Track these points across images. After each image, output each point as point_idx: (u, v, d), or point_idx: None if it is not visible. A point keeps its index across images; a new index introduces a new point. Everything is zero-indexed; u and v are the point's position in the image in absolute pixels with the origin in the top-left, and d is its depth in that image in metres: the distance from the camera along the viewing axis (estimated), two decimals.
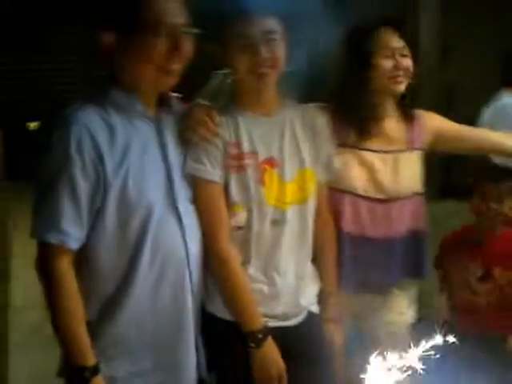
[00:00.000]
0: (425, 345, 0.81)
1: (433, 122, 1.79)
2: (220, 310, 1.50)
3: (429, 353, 0.81)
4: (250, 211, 1.49)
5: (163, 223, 1.35)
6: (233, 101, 1.56)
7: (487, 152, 1.86)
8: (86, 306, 1.31)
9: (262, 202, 1.50)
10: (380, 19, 1.71)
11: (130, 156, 1.31)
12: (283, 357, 1.49)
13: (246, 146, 1.50)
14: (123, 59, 1.35)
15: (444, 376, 1.54)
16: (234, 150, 1.49)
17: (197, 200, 1.46)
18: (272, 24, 1.45)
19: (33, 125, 5.00)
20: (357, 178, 1.67)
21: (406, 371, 0.81)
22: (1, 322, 2.65)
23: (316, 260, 1.65)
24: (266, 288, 1.52)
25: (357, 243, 1.68)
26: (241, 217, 1.49)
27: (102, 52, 1.36)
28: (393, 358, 0.82)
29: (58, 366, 1.39)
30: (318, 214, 1.61)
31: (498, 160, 2.36)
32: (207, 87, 2.47)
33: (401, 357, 0.82)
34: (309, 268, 1.62)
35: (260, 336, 1.45)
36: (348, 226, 1.67)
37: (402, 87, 1.66)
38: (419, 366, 0.80)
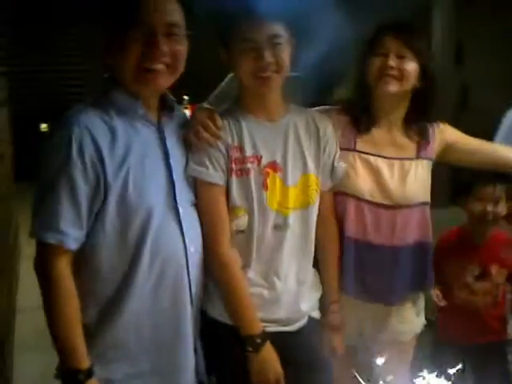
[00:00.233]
0: None
1: (444, 133, 1.76)
2: (220, 314, 1.50)
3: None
4: (251, 215, 1.48)
5: (163, 226, 1.34)
6: (237, 104, 1.56)
7: (499, 167, 1.80)
8: (85, 308, 1.31)
9: (264, 206, 1.49)
10: (383, 21, 1.69)
11: (130, 159, 1.31)
12: (282, 362, 1.48)
13: (248, 150, 1.49)
14: (113, 59, 1.34)
15: None
16: (236, 154, 1.48)
17: (199, 202, 1.46)
18: (277, 28, 1.44)
19: (44, 126, 5.05)
20: (363, 183, 1.65)
21: None
22: (8, 323, 2.65)
23: (318, 265, 1.64)
24: (266, 292, 1.51)
25: (359, 249, 1.65)
26: (242, 220, 1.49)
27: (103, 53, 1.36)
28: None
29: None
30: (321, 219, 1.60)
31: None
32: (217, 90, 2.46)
33: None
34: (310, 273, 1.61)
35: (258, 340, 1.45)
36: (351, 230, 1.65)
37: (390, 88, 1.62)
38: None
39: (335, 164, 1.61)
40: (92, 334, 1.32)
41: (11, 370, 2.63)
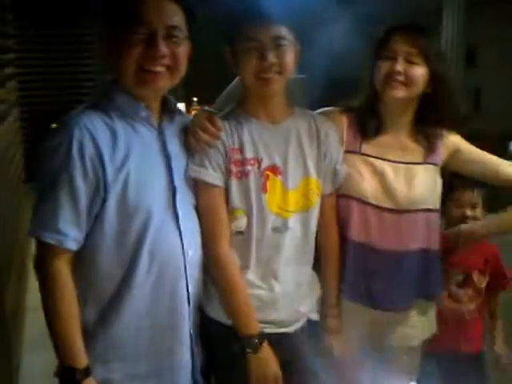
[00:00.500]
0: None
1: (452, 140, 1.72)
2: (219, 315, 1.50)
3: None
4: (250, 217, 1.48)
5: (162, 229, 1.35)
6: (239, 106, 1.55)
7: (500, 182, 1.75)
8: (84, 308, 1.32)
9: (263, 208, 1.48)
10: (393, 23, 1.65)
11: (130, 161, 1.31)
12: (280, 363, 1.48)
13: (249, 152, 1.49)
14: (114, 61, 1.35)
15: None
16: (236, 155, 1.48)
17: (198, 203, 1.47)
18: (283, 30, 1.44)
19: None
20: (368, 186, 1.62)
21: None
22: (16, 321, 2.66)
23: (319, 269, 1.63)
24: (264, 294, 1.51)
25: (363, 253, 1.63)
26: (241, 221, 1.48)
27: (105, 55, 1.37)
28: None
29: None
30: (323, 224, 1.60)
31: None
32: (225, 92, 2.45)
33: None
34: (309, 276, 1.60)
35: (256, 341, 1.45)
36: (355, 234, 1.62)
37: (397, 93, 1.58)
38: None
39: (337, 168, 1.59)
40: (91, 334, 1.33)
41: (19, 368, 2.64)
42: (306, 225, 1.55)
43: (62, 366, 1.29)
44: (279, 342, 1.50)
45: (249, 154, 1.49)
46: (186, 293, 1.40)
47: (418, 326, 1.72)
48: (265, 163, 1.49)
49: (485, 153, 1.75)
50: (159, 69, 1.33)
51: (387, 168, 1.64)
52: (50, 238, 1.27)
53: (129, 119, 1.36)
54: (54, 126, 1.38)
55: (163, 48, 1.32)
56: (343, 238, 1.64)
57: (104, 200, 1.29)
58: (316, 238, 1.60)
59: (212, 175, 1.46)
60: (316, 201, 1.56)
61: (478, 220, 1.95)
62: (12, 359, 2.49)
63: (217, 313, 1.50)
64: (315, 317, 1.60)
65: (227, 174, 1.48)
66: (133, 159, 1.32)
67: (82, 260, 1.33)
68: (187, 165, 1.45)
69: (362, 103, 1.68)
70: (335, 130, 1.61)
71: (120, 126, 1.34)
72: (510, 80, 5.73)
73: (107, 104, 1.36)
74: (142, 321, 1.36)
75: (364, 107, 1.67)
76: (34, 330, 2.83)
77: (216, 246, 1.46)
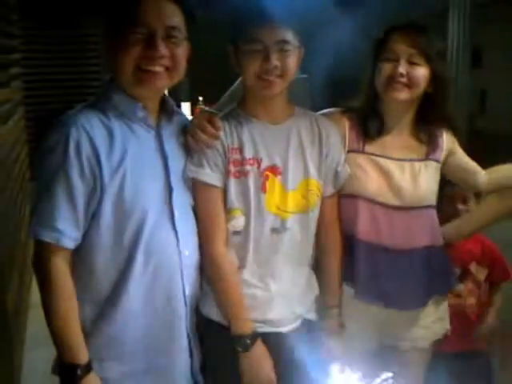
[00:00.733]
0: None
1: (451, 142, 1.73)
2: (215, 314, 1.50)
3: None
4: (248, 217, 1.48)
5: (157, 228, 1.35)
6: (240, 106, 1.55)
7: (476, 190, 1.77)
8: (81, 306, 1.33)
9: (261, 208, 1.48)
10: (393, 24, 1.65)
11: (127, 161, 1.32)
12: (276, 363, 1.48)
13: (248, 152, 1.49)
14: (112, 61, 1.36)
15: None
16: (235, 155, 1.48)
17: (195, 203, 1.47)
18: (287, 34, 1.44)
19: None
20: (374, 184, 1.62)
21: None
22: (19, 318, 2.67)
23: (319, 269, 1.63)
24: (260, 293, 1.51)
25: (371, 251, 1.62)
26: (238, 221, 1.48)
27: (104, 55, 1.37)
28: None
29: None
30: (324, 226, 1.60)
31: None
32: (228, 92, 2.46)
33: None
34: (307, 276, 1.60)
35: (248, 341, 1.46)
36: (363, 233, 1.62)
37: (400, 96, 1.58)
38: None
39: (339, 169, 1.59)
40: (87, 332, 1.34)
41: (21, 365, 2.65)
42: (305, 226, 1.54)
43: (63, 362, 1.30)
44: (275, 342, 1.50)
45: (248, 154, 1.49)
46: (182, 293, 1.40)
47: (431, 326, 1.71)
48: (264, 163, 1.49)
49: (469, 160, 1.75)
50: (158, 69, 1.34)
51: (392, 166, 1.64)
52: (47, 236, 1.28)
53: (126, 119, 1.36)
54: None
55: (162, 48, 1.32)
56: (350, 238, 1.63)
57: (100, 199, 1.30)
58: (316, 239, 1.60)
59: (210, 175, 1.46)
60: (316, 202, 1.55)
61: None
62: (14, 357, 2.50)
63: (211, 312, 1.51)
64: (312, 316, 1.60)
65: (226, 173, 1.48)
66: (129, 159, 1.32)
67: (79, 259, 1.34)
68: (185, 165, 1.46)
69: (363, 104, 1.68)
70: (337, 131, 1.61)
71: (117, 125, 1.34)
72: None
73: (105, 103, 1.36)
74: (138, 320, 1.36)
75: (365, 108, 1.67)
76: (36, 328, 2.83)
77: (211, 246, 1.47)
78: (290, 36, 1.43)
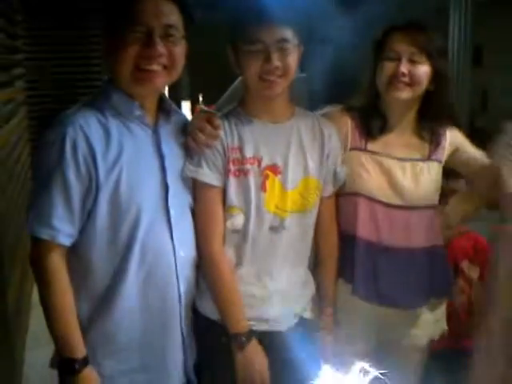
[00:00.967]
0: None
1: (455, 137, 1.72)
2: (210, 311, 1.51)
3: None
4: (247, 215, 1.49)
5: (153, 227, 1.36)
6: (241, 106, 1.56)
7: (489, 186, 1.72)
8: (78, 303, 1.34)
9: (261, 207, 1.49)
10: (394, 22, 1.65)
11: (123, 160, 1.33)
12: (271, 361, 1.49)
13: (248, 151, 1.49)
14: (111, 60, 1.37)
15: None
16: (235, 154, 1.49)
17: (194, 202, 1.47)
18: (287, 33, 1.44)
19: None
20: (375, 183, 1.63)
21: None
22: (20, 316, 2.68)
23: (316, 268, 1.64)
24: (257, 291, 1.51)
25: (371, 250, 1.63)
26: (237, 219, 1.49)
27: (103, 54, 1.38)
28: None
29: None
30: (321, 224, 1.60)
31: None
32: (227, 92, 2.47)
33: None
34: (304, 275, 1.61)
35: (243, 339, 1.47)
36: (363, 231, 1.63)
37: (402, 95, 1.58)
38: None
39: (338, 170, 1.60)
40: (83, 329, 1.35)
41: (22, 363, 2.66)
42: (303, 225, 1.55)
43: (61, 357, 1.32)
44: (271, 340, 1.51)
45: (248, 153, 1.49)
46: (177, 291, 1.41)
47: (429, 326, 1.72)
48: (265, 162, 1.50)
49: (481, 153, 1.73)
50: (156, 67, 1.35)
51: (394, 165, 1.64)
52: (43, 233, 1.29)
53: (123, 118, 1.37)
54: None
55: (160, 47, 1.33)
56: (349, 236, 1.63)
57: (96, 197, 1.31)
58: (314, 238, 1.61)
59: (208, 175, 1.47)
60: (315, 201, 1.56)
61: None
62: (15, 355, 2.51)
63: (207, 309, 1.52)
64: (308, 315, 1.61)
65: (225, 172, 1.48)
66: (125, 158, 1.33)
67: (75, 256, 1.35)
68: (184, 164, 1.46)
69: (365, 103, 1.68)
70: (337, 132, 1.61)
71: (114, 124, 1.35)
72: None
73: (103, 102, 1.37)
74: (133, 318, 1.38)
75: (367, 107, 1.67)
76: (37, 325, 2.85)
77: (209, 245, 1.48)
78: (289, 34, 1.44)
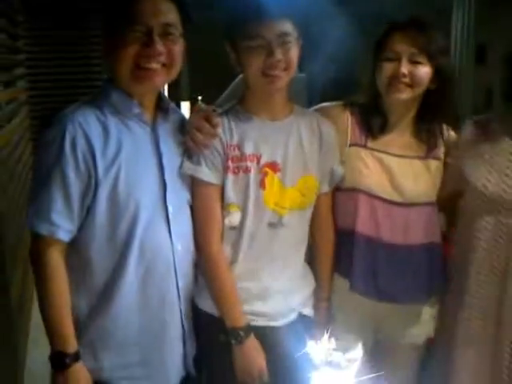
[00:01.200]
0: None
1: (454, 138, 1.73)
2: (209, 306, 1.52)
3: None
4: (245, 212, 1.49)
5: (151, 224, 1.38)
6: (240, 103, 1.56)
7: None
8: (77, 299, 1.37)
9: (260, 204, 1.50)
10: (394, 22, 1.64)
11: (121, 157, 1.34)
12: (269, 356, 1.50)
13: (248, 148, 1.50)
14: (110, 58, 1.38)
15: None
16: (234, 152, 1.49)
17: (192, 199, 1.48)
18: (287, 27, 1.44)
19: None
20: (375, 179, 1.64)
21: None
22: (21, 314, 2.69)
23: (313, 263, 1.64)
24: (255, 286, 1.52)
25: (370, 245, 1.64)
26: (235, 216, 1.50)
27: (102, 53, 1.39)
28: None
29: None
30: (318, 221, 1.61)
31: None
32: (227, 91, 2.47)
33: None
34: (301, 271, 1.61)
35: (242, 333, 1.48)
36: (362, 227, 1.63)
37: (402, 96, 1.58)
38: None
39: (335, 168, 1.60)
40: (82, 324, 1.37)
41: (24, 361, 2.67)
42: (301, 222, 1.56)
43: (53, 350, 1.34)
44: (268, 335, 1.52)
45: (248, 150, 1.50)
46: (175, 287, 1.42)
47: (427, 324, 1.73)
48: (264, 159, 1.50)
49: None
50: (155, 66, 1.36)
51: (394, 162, 1.65)
52: (43, 229, 1.31)
53: (122, 116, 1.39)
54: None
55: (159, 46, 1.34)
56: (348, 231, 1.64)
57: (95, 194, 1.32)
58: (310, 234, 1.61)
59: (207, 173, 1.47)
60: (313, 198, 1.57)
61: None
62: (18, 352, 2.52)
63: (206, 304, 1.53)
64: (308, 312, 1.61)
65: (224, 170, 1.48)
66: (123, 155, 1.35)
67: (75, 252, 1.37)
68: (182, 162, 1.47)
69: (365, 102, 1.68)
70: (335, 130, 1.62)
71: (112, 122, 1.37)
72: None
73: (102, 101, 1.39)
74: (132, 313, 1.39)
75: (367, 106, 1.67)
76: (38, 326, 2.85)
77: (207, 242, 1.49)
78: (289, 28, 1.44)
